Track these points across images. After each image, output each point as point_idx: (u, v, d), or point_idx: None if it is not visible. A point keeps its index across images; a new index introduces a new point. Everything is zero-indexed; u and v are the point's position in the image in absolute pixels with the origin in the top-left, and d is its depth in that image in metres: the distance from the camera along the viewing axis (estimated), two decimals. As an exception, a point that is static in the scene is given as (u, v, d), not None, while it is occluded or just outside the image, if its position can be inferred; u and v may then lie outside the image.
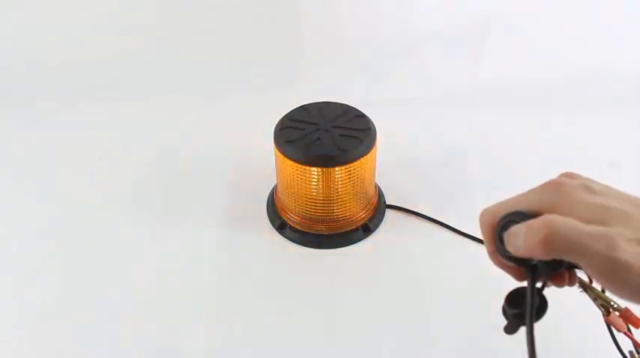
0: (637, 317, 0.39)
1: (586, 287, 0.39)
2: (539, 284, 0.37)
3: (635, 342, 0.40)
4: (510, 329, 0.37)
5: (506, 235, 0.36)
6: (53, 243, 0.76)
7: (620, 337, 0.41)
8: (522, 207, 0.36)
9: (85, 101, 1.03)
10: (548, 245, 0.33)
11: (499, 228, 0.37)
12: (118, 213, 0.81)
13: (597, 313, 0.41)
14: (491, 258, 0.40)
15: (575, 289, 0.40)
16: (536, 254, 0.34)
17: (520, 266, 0.37)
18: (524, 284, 0.37)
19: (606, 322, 0.40)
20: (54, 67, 1.08)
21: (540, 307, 0.36)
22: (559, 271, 0.37)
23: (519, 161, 0.89)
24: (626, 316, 0.39)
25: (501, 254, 0.37)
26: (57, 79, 1.06)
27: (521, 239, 0.35)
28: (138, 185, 0.85)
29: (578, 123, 0.96)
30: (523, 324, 0.35)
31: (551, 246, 0.33)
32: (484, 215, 0.39)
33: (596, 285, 0.39)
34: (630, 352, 0.40)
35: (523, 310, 0.35)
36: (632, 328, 0.40)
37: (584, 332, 0.56)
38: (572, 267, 0.37)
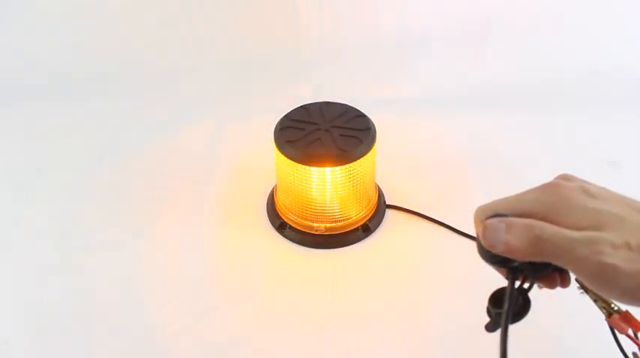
0: (637, 320, 0.39)
1: (586, 289, 0.39)
2: (526, 286, 0.37)
3: (638, 344, 0.39)
4: (491, 327, 0.38)
5: (482, 227, 0.36)
6: (53, 243, 0.76)
7: (623, 338, 0.41)
8: (518, 206, 0.36)
9: (85, 101, 1.03)
10: (532, 248, 0.33)
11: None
12: (117, 213, 0.81)
13: (600, 313, 0.40)
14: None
15: (576, 290, 0.40)
16: (517, 255, 0.34)
17: (501, 268, 0.37)
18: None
19: (609, 324, 0.40)
20: (54, 66, 1.08)
21: (522, 308, 0.36)
22: (546, 273, 0.36)
23: (519, 161, 0.89)
24: (627, 319, 0.39)
25: (482, 255, 0.37)
26: (57, 79, 1.06)
27: (500, 235, 0.35)
28: (137, 185, 0.85)
29: (578, 123, 0.96)
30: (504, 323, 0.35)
31: (536, 250, 0.33)
32: (477, 212, 0.39)
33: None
34: (634, 353, 0.40)
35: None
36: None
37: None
38: (563, 269, 0.37)
